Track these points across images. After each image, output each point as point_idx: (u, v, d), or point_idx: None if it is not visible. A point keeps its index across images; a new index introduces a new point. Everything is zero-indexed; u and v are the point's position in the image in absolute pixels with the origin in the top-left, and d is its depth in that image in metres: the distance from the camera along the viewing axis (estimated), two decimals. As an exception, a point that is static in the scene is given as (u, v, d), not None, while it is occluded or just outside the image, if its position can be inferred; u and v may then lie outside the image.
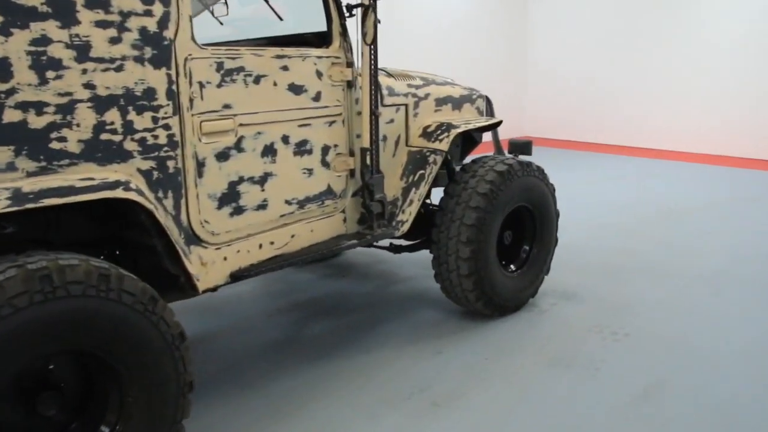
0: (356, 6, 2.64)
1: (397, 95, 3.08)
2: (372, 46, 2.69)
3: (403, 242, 3.82)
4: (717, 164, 8.49)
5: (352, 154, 2.80)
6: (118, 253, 2.41)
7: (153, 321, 1.88)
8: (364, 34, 2.62)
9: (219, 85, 2.24)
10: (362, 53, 2.69)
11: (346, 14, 2.66)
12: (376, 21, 2.66)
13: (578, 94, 10.37)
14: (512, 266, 3.52)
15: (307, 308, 3.73)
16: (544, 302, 3.74)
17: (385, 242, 4.31)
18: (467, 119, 3.44)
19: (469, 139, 3.84)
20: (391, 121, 3.05)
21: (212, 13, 3.15)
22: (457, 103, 3.49)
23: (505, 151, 4.28)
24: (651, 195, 6.63)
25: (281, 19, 2.92)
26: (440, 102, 3.36)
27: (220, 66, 2.24)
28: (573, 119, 10.49)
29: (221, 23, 3.19)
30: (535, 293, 3.67)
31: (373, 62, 2.72)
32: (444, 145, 3.12)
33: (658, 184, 7.27)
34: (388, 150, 3.05)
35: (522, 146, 4.20)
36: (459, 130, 3.18)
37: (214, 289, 2.35)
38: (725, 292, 3.88)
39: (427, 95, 3.26)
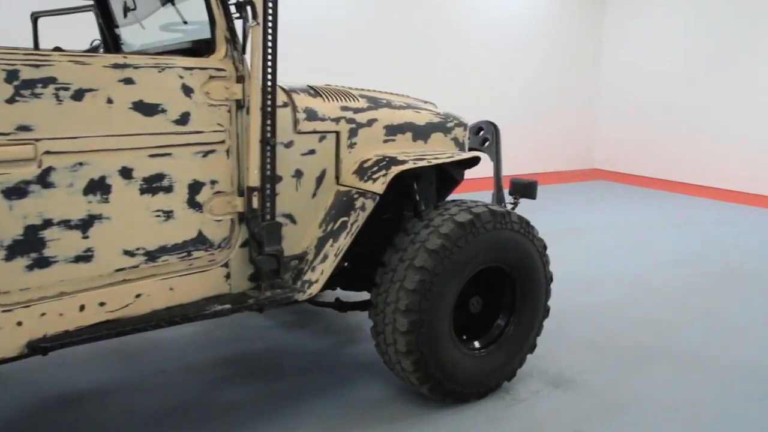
0: (246, 3, 2.02)
1: (322, 119, 2.42)
2: (268, 52, 2.07)
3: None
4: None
5: (243, 193, 2.19)
6: None
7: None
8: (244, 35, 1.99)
9: (10, 101, 1.70)
10: (251, 63, 2.07)
11: (235, 14, 2.05)
12: (271, 21, 2.03)
13: (652, 125, 9.24)
14: (477, 343, 2.76)
15: (237, 365, 3.12)
16: (522, 388, 2.94)
17: (331, 295, 3.69)
18: (433, 153, 2.73)
19: (449, 177, 3.13)
20: (311, 152, 2.40)
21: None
22: (422, 132, 2.78)
23: (506, 192, 3.53)
24: (714, 248, 5.56)
25: (185, 22, 2.36)
26: (393, 130, 2.67)
27: (11, 75, 1.69)
28: (645, 152, 9.36)
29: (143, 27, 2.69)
30: (512, 376, 2.89)
31: (269, 74, 2.10)
32: (378, 186, 2.43)
33: (727, 233, 6.15)
34: (305, 189, 2.40)
35: (524, 187, 3.44)
36: (403, 168, 2.48)
37: (1, 362, 1.80)
38: (775, 397, 2.93)
39: (371, 121, 2.59)
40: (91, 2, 2.98)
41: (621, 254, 5.30)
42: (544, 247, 2.85)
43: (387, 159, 2.50)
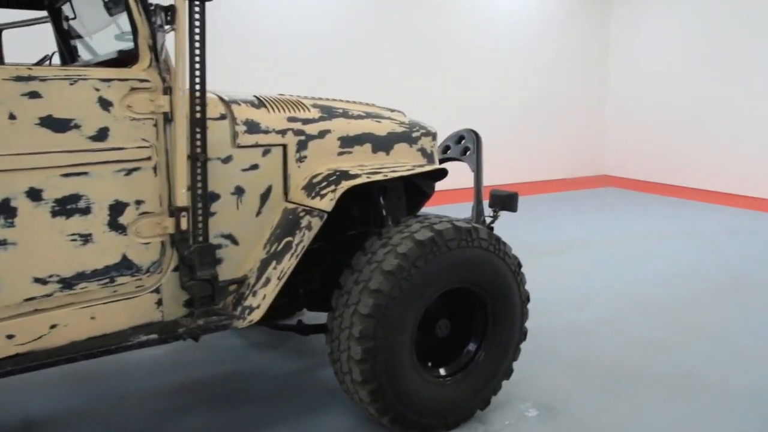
0: (159, 8, 1.85)
1: (265, 132, 2.26)
2: (195, 60, 1.91)
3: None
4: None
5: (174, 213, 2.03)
6: None
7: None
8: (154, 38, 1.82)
9: None
10: (174, 71, 1.91)
11: (159, 21, 1.89)
12: (198, 24, 1.88)
13: (664, 129, 8.94)
14: (442, 370, 2.56)
15: (199, 390, 2.96)
16: (498, 417, 2.73)
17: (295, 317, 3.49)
18: (393, 165, 2.54)
19: (418, 190, 2.94)
20: (253, 167, 2.24)
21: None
22: (383, 142, 2.60)
23: (486, 204, 3.33)
24: (722, 260, 5.27)
25: (122, 32, 2.22)
26: (349, 141, 2.49)
27: None
28: (657, 158, 9.05)
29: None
30: (486, 404, 2.68)
31: (197, 84, 1.94)
32: (326, 203, 2.25)
33: (738, 244, 5.84)
34: (248, 207, 2.24)
35: (504, 199, 3.24)
36: (354, 183, 2.30)
37: None
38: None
39: (323, 132, 2.42)
40: (46, 14, 2.87)
41: (622, 267, 5.04)
42: (518, 265, 2.64)
43: (338, 173, 2.32)
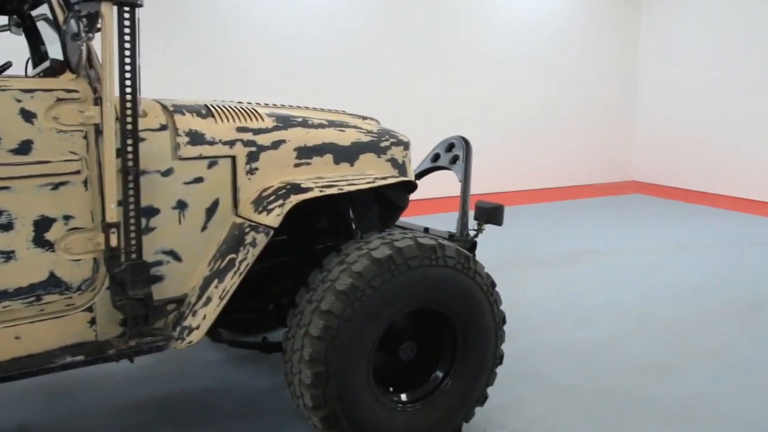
0: (76, 14, 1.74)
1: (210, 143, 2.14)
2: (125, 68, 1.81)
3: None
4: None
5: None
6: None
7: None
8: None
9: None
10: (101, 80, 1.82)
11: (80, 30, 1.79)
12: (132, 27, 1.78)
13: (695, 133, 8.57)
14: (404, 396, 2.41)
15: (164, 407, 2.86)
16: (468, 447, 2.56)
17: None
18: (356, 176, 2.40)
19: (392, 203, 2.79)
20: (197, 180, 2.13)
21: None
22: (346, 153, 2.46)
23: (472, 215, 3.16)
24: (745, 274, 4.95)
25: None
26: (307, 152, 2.36)
27: None
28: (688, 163, 8.68)
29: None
30: (456, 432, 2.51)
31: (127, 93, 1.84)
32: (272, 219, 2.12)
33: (766, 256, 5.46)
34: (192, 222, 2.13)
35: (489, 212, 3.07)
36: (305, 196, 2.16)
37: None
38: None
39: (277, 143, 2.29)
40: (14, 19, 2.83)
41: (634, 280, 4.77)
42: (491, 285, 2.46)
43: (288, 187, 2.19)
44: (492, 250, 5.64)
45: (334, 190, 2.23)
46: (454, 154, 3.43)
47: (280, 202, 2.13)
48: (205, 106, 2.21)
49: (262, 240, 2.10)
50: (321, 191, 2.20)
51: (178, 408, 2.86)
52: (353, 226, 2.65)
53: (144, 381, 3.13)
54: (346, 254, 2.26)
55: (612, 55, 9.29)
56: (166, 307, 2.04)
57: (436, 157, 3.60)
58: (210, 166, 2.14)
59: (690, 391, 3.01)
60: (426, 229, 3.25)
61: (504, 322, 2.54)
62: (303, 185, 2.20)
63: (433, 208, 7.17)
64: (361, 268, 2.17)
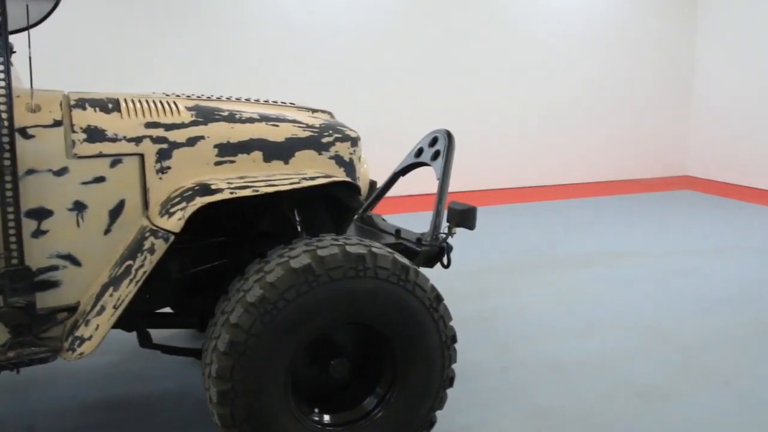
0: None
1: (112, 140, 1.97)
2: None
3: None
4: None
5: None
6: None
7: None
8: None
9: None
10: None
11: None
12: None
13: (755, 126, 7.81)
14: (329, 417, 2.18)
15: (115, 410, 2.75)
16: (413, 475, 2.31)
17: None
18: (284, 176, 2.18)
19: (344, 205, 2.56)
20: (98, 179, 1.96)
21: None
22: (279, 150, 2.24)
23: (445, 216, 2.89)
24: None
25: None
26: (231, 149, 2.16)
27: None
28: (746, 158, 8.01)
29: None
30: (398, 460, 2.27)
31: (1, 84, 1.69)
32: (173, 223, 1.94)
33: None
34: (93, 224, 1.97)
35: (460, 215, 2.80)
36: (211, 199, 1.96)
37: None
38: None
39: (194, 139, 2.10)
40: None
41: (655, 288, 4.34)
42: (437, 299, 2.20)
43: (196, 188, 2.00)
44: (503, 250, 5.32)
45: (247, 192, 2.02)
46: (437, 149, 3.16)
47: (183, 205, 1.95)
48: (115, 99, 2.05)
49: (161, 246, 1.92)
50: (232, 193, 2.00)
51: (129, 411, 2.75)
52: (299, 228, 2.45)
53: (107, 380, 3.04)
54: (267, 261, 2.06)
55: (667, 45, 8.67)
56: (56, 315, 1.90)
57: (419, 152, 3.34)
58: (113, 164, 1.98)
59: (686, 423, 2.64)
60: (398, 231, 3.01)
61: (454, 340, 2.27)
62: (213, 186, 2.00)
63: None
64: (274, 279, 1.96)
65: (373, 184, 3.62)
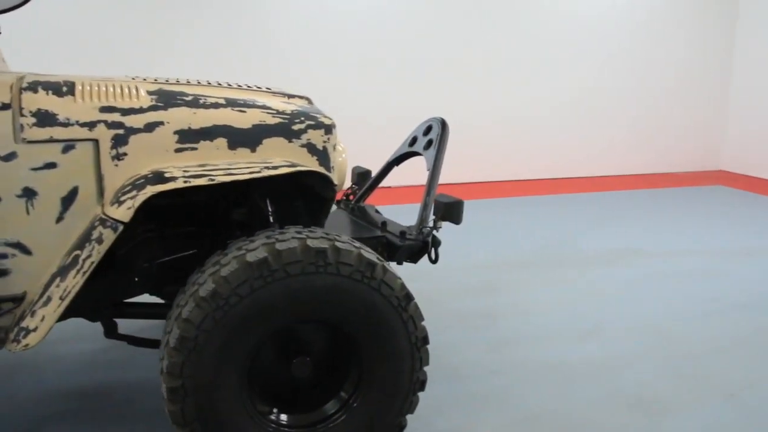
0: None
1: (64, 125, 1.90)
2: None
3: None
4: None
5: None
6: None
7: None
8: None
9: None
10: None
11: None
12: None
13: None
14: (285, 418, 2.08)
15: (86, 399, 2.70)
16: (380, 481, 2.20)
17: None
18: (246, 165, 2.08)
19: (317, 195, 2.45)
20: (49, 165, 1.89)
21: None
22: (245, 137, 2.14)
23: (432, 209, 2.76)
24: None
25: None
26: (192, 136, 2.06)
27: None
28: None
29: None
30: (365, 464, 2.16)
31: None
32: (122, 213, 1.85)
33: None
34: (44, 212, 1.90)
35: (446, 208, 2.66)
36: (163, 188, 1.87)
37: None
38: None
39: (152, 125, 2.00)
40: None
41: (671, 289, 4.11)
42: (406, 298, 2.07)
43: (149, 175, 1.92)
44: (518, 244, 5.13)
45: (202, 181, 1.93)
46: (430, 138, 3.03)
47: (134, 193, 1.87)
48: (71, 82, 1.97)
49: (108, 235, 1.85)
50: (186, 182, 1.91)
51: (99, 401, 2.71)
52: (271, 219, 2.35)
53: (86, 368, 3.01)
54: (225, 254, 1.97)
55: (705, 34, 8.23)
56: (1, 305, 1.85)
57: (413, 140, 3.21)
58: (65, 150, 1.91)
59: (683, 437, 2.47)
60: (383, 223, 2.89)
61: (426, 342, 2.14)
62: (167, 174, 1.92)
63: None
64: (227, 273, 1.87)
65: (367, 173, 3.50)
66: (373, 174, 3.47)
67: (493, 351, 3.21)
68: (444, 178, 7.32)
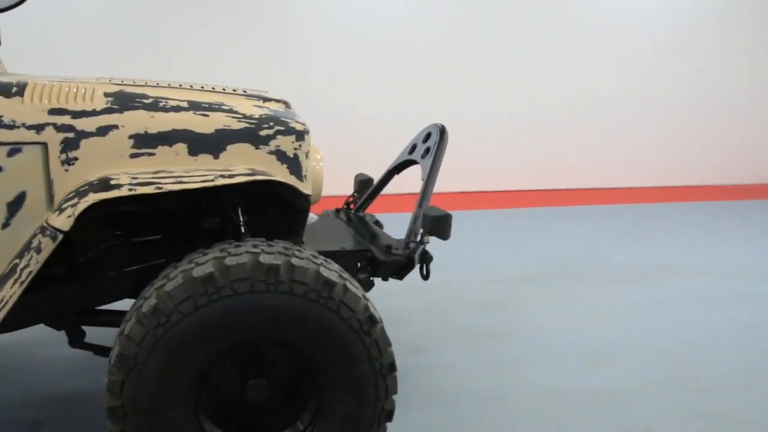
0: None
1: (10, 127, 1.81)
2: None
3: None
4: None
5: None
6: None
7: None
8: None
9: None
10: None
11: None
12: None
13: None
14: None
15: (60, 405, 2.64)
16: None
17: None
18: (203, 173, 1.95)
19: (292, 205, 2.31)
20: (-6, 169, 1.82)
21: None
22: (207, 142, 2.01)
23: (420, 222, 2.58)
24: None
25: None
26: (150, 140, 1.95)
27: None
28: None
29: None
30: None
31: None
32: (62, 221, 1.75)
33: None
34: (-17, 217, 1.84)
35: (432, 222, 2.47)
36: (104, 196, 1.76)
37: None
38: None
39: (105, 129, 1.90)
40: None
41: (701, 313, 3.79)
42: (370, 321, 1.90)
43: (94, 183, 1.81)
44: (541, 257, 4.88)
45: (149, 189, 1.81)
46: (427, 146, 2.85)
47: (75, 201, 1.77)
48: (24, 83, 1.90)
49: (48, 245, 1.76)
50: (131, 190, 1.80)
51: (71, 409, 2.64)
52: (242, 229, 2.23)
53: (69, 372, 2.96)
54: (177, 266, 1.86)
55: (754, 44, 7.74)
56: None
57: (413, 148, 3.04)
58: (11, 153, 1.83)
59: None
60: (374, 236, 2.74)
61: (392, 369, 1.97)
62: (112, 182, 1.81)
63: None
64: (171, 288, 1.75)
65: (369, 181, 3.36)
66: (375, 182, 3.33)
67: (492, 375, 3.00)
68: (458, 186, 7.10)
